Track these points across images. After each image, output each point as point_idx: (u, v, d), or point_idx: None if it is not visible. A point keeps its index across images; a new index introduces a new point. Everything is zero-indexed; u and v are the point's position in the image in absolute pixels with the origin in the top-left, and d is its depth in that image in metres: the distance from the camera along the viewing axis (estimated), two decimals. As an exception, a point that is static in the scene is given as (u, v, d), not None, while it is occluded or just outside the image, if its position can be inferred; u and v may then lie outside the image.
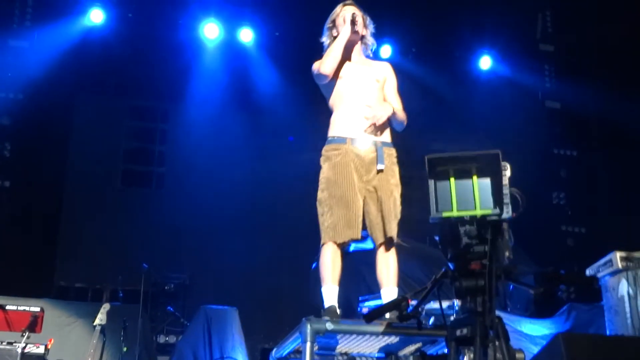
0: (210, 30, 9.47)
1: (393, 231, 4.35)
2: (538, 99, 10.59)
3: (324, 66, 4.52)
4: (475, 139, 9.55)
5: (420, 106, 9.83)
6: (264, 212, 9.80)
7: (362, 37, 4.75)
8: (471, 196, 2.88)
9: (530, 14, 10.37)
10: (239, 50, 9.78)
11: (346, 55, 4.64)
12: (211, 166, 9.77)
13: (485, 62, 10.40)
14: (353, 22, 4.60)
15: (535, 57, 10.55)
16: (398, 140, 4.62)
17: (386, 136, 4.54)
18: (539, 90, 10.59)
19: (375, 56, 4.87)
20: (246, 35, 9.65)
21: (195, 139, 9.90)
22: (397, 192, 4.47)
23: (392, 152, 4.55)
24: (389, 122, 4.53)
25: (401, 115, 4.58)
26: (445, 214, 2.90)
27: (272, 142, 10.06)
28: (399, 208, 4.44)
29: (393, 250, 4.41)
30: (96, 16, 9.05)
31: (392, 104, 4.57)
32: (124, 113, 10.32)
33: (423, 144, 9.71)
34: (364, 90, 4.56)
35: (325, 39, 4.81)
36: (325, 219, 4.34)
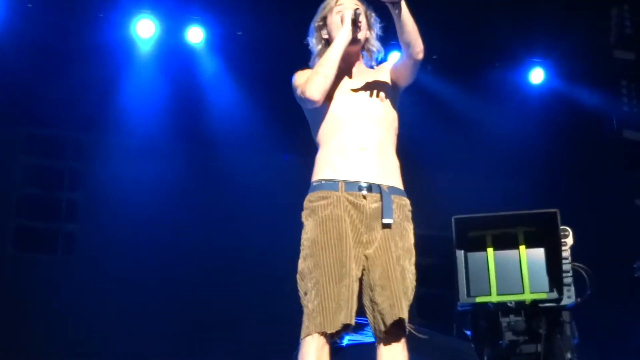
0: (144, 28, 9.51)
1: (402, 313, 4.25)
2: (613, 128, 10.72)
3: (312, 89, 4.44)
4: (523, 185, 9.52)
5: (443, 137, 9.88)
6: (221, 288, 9.75)
7: (365, 42, 4.76)
8: (517, 274, 2.89)
9: (600, 10, 10.47)
10: (185, 56, 9.86)
11: (341, 66, 4.58)
12: (144, 223, 9.70)
13: (536, 75, 10.50)
14: (355, 23, 4.56)
15: (608, 68, 10.69)
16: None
17: (395, 179, 4.52)
18: (614, 115, 10.72)
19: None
20: (195, 35, 9.71)
21: (121, 183, 9.84)
22: (407, 260, 4.41)
23: (406, 202, 4.52)
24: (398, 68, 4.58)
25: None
26: (480, 299, 2.91)
27: (234, 186, 10.06)
28: (411, 283, 4.38)
29: (403, 343, 4.33)
30: (-22, 7, 9.06)
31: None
32: (18, 146, 10.27)
33: (445, 189, 9.74)
34: (364, 117, 4.54)
35: (312, 42, 4.80)
36: (309, 299, 4.25)
